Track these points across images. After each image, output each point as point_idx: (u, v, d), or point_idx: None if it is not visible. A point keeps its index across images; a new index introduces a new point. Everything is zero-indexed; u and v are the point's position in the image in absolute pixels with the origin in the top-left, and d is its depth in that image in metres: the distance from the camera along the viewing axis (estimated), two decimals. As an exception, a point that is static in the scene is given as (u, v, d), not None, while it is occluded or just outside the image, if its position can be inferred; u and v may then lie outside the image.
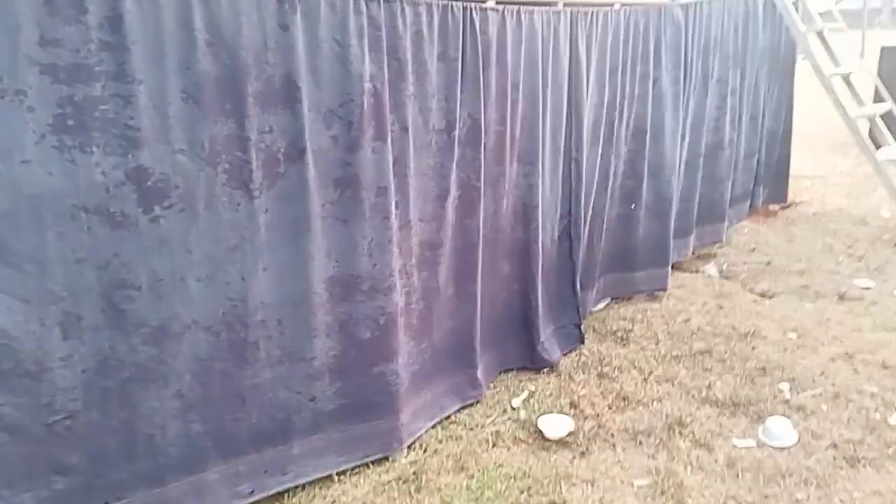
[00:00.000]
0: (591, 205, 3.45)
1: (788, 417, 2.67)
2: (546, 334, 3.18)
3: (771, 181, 5.46)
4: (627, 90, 3.54)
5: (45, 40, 1.58)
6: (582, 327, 3.34)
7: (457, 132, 2.64)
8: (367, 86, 2.25)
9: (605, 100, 3.41)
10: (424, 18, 2.43)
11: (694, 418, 2.70)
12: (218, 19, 1.88)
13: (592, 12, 3.19)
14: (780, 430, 2.58)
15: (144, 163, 1.79)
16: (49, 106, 1.61)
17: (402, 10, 2.34)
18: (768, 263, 4.41)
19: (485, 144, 2.75)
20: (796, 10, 4.83)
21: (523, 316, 3.11)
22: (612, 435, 2.61)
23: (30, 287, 1.62)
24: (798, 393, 2.87)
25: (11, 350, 1.60)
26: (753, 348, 3.26)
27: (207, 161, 1.92)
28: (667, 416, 2.71)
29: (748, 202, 5.25)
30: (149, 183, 1.81)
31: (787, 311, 3.69)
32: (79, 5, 1.62)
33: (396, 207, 2.42)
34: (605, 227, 3.62)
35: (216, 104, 1.92)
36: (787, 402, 2.81)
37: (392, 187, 2.39)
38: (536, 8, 2.89)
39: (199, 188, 1.92)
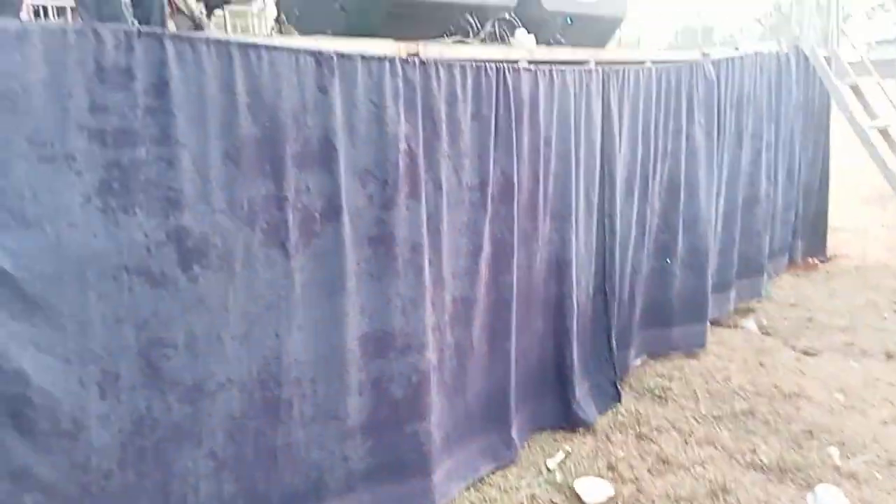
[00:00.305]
0: (626, 260, 3.41)
1: (839, 486, 2.54)
2: (582, 392, 3.10)
3: (809, 234, 5.35)
4: (661, 145, 3.53)
5: (95, 106, 1.64)
6: (618, 385, 3.26)
7: (490, 189, 2.65)
8: (403, 145, 2.29)
9: (639, 155, 3.41)
10: (458, 79, 2.47)
11: (739, 484, 2.58)
12: (259, 83, 1.93)
13: (624, 70, 3.22)
14: (832, 499, 2.45)
15: (185, 223, 1.82)
16: (96, 170, 1.65)
17: (437, 71, 2.39)
18: (810, 319, 4.28)
19: (518, 201, 2.75)
20: (829, 64, 4.82)
21: (558, 373, 3.05)
22: (653, 501, 2.51)
23: (70, 347, 1.64)
24: (849, 458, 2.74)
25: (50, 410, 1.61)
26: (798, 409, 3.13)
27: (246, 221, 1.95)
28: (710, 482, 2.60)
29: (787, 256, 5.15)
30: (189, 243, 1.84)
31: (832, 369, 3.56)
32: (128, 72, 1.68)
33: (430, 264, 2.42)
34: (640, 282, 3.56)
35: (255, 165, 1.96)
36: (837, 468, 2.67)
37: (426, 244, 2.39)
38: (568, 67, 2.93)
39: (238, 247, 1.94)
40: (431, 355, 2.42)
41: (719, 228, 4.09)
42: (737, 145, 4.18)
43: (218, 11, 6.54)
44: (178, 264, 1.83)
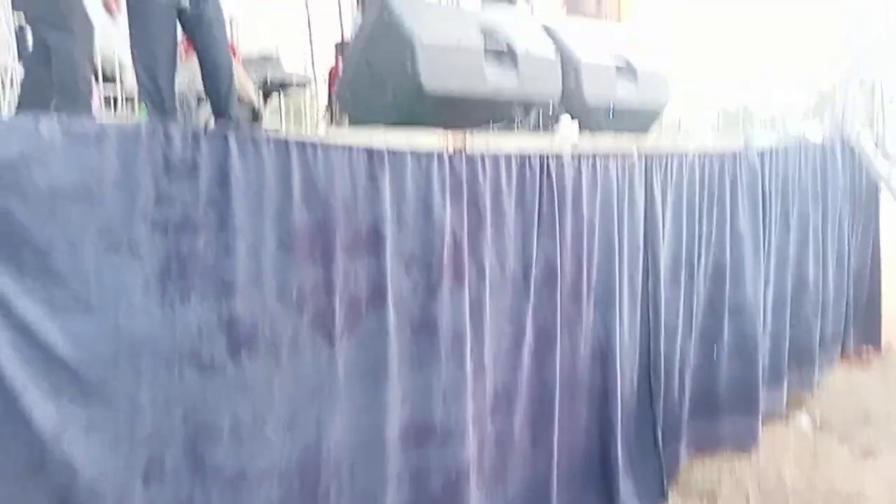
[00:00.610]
0: (672, 349, 3.34)
1: None
2: (626, 488, 2.98)
3: (862, 322, 5.17)
4: (705, 232, 3.51)
5: (160, 198, 1.73)
6: (665, 481, 3.12)
7: (533, 276, 2.66)
8: (448, 233, 2.33)
9: (683, 242, 3.39)
10: (504, 170, 2.53)
11: None
12: (314, 174, 2.01)
13: (667, 159, 3.25)
14: None
15: (236, 310, 1.87)
16: (157, 257, 1.72)
17: (483, 162, 2.45)
18: (867, 413, 4.08)
19: (561, 287, 2.75)
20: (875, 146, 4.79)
21: (602, 467, 2.95)
22: None
23: (120, 431, 1.67)
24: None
25: (95, 498, 1.62)
26: (860, 514, 2.95)
27: (295, 307, 1.99)
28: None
29: (840, 345, 4.96)
30: (238, 329, 1.88)
31: (894, 470, 3.36)
32: (193, 164, 1.77)
33: (472, 352, 2.41)
34: (686, 372, 3.47)
35: (307, 253, 2.01)
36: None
37: (468, 332, 2.39)
38: (612, 156, 2.97)
39: (285, 334, 1.98)
40: (472, 446, 2.38)
41: (769, 317, 3.99)
42: (783, 231, 4.12)
43: (274, 98, 6.89)
44: (227, 350, 1.86)
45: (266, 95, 5.93)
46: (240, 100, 4.58)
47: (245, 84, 4.76)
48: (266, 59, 10.17)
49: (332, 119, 5.97)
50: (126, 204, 1.66)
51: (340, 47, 6.95)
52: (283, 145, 1.95)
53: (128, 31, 3.16)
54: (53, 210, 1.54)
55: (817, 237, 4.43)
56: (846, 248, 4.84)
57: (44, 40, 2.55)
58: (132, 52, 3.16)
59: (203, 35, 3.19)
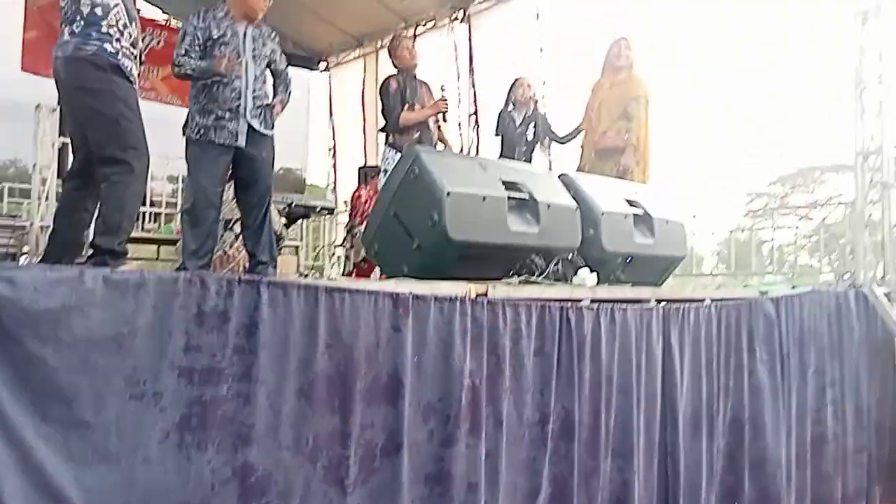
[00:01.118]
0: (691, 502, 3.21)
1: None
2: None
3: (886, 479, 4.95)
4: (723, 383, 3.48)
5: (189, 346, 1.75)
6: None
7: (550, 426, 2.62)
8: (467, 381, 2.33)
9: (702, 393, 3.35)
10: (523, 317, 2.56)
11: None
12: (340, 322, 2.05)
13: (684, 308, 3.27)
14: None
15: (251, 459, 1.84)
16: (179, 407, 1.72)
17: (504, 310, 2.49)
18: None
19: (578, 438, 2.70)
20: (890, 300, 4.80)
21: None
22: None
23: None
24: None
25: None
26: None
27: (309, 457, 1.96)
28: None
29: (863, 503, 4.74)
30: (252, 479, 1.84)
31: None
32: (224, 315, 1.81)
33: (485, 505, 2.33)
34: (706, 529, 3.31)
35: (325, 401, 2.00)
36: None
37: (482, 484, 2.33)
38: (629, 305, 3.01)
39: (297, 484, 1.93)
40: None
41: (792, 471, 3.85)
42: (801, 383, 4.06)
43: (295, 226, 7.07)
44: (239, 501, 1.82)
45: (290, 221, 6.13)
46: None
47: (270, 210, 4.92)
48: (289, 172, 10.62)
49: (351, 245, 6.13)
50: (155, 353, 1.69)
51: (363, 171, 7.26)
52: (312, 292, 2.00)
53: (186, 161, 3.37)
54: (86, 359, 1.57)
55: (835, 389, 4.36)
56: (864, 400, 4.74)
57: (98, 168, 2.57)
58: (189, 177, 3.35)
59: (253, 173, 3.38)
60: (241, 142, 3.32)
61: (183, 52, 3.23)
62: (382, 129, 4.66)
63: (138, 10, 2.89)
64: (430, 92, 4.74)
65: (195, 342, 1.76)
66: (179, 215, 3.42)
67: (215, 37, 3.25)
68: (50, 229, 3.00)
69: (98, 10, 2.49)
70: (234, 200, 3.77)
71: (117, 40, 2.53)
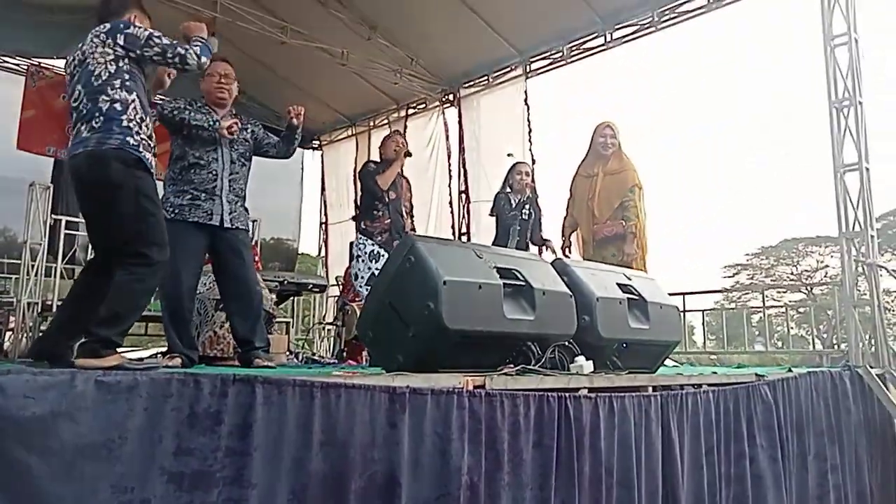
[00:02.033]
0: None
1: None
2: None
3: (894, 567, 4.80)
4: (724, 471, 3.40)
5: (180, 450, 1.69)
6: None
7: (550, 523, 2.52)
8: (465, 478, 2.25)
9: (704, 480, 3.27)
10: (521, 409, 2.51)
11: None
12: (335, 420, 1.99)
13: (681, 395, 3.23)
14: None
15: (240, 570, 1.75)
16: (167, 514, 1.65)
17: (502, 402, 2.44)
18: None
19: (579, 535, 2.60)
20: (884, 382, 4.78)
21: None
22: None
23: None
24: None
25: None
26: None
27: (300, 565, 1.86)
28: None
29: None
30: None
31: None
32: (216, 416, 1.76)
33: None
34: None
35: (320, 503, 1.93)
36: None
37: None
38: (627, 394, 2.96)
39: None
40: None
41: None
42: (802, 468, 3.99)
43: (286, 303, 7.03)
44: None
45: (281, 299, 6.09)
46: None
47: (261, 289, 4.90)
48: (281, 243, 10.63)
49: (343, 323, 6.07)
50: (145, 458, 1.63)
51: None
52: (307, 390, 1.95)
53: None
54: (72, 467, 1.51)
55: (837, 474, 4.28)
56: (867, 484, 4.65)
57: (118, 258, 2.52)
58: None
59: (233, 260, 3.38)
60: (216, 221, 3.33)
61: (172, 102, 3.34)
62: (354, 218, 4.81)
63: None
64: (408, 185, 4.95)
65: (186, 445, 1.70)
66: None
67: (195, 122, 3.31)
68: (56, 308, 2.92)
69: (117, 106, 2.53)
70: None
71: (137, 133, 2.55)
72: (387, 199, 4.60)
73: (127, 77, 2.58)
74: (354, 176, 9.38)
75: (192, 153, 3.33)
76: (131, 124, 2.54)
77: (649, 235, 5.41)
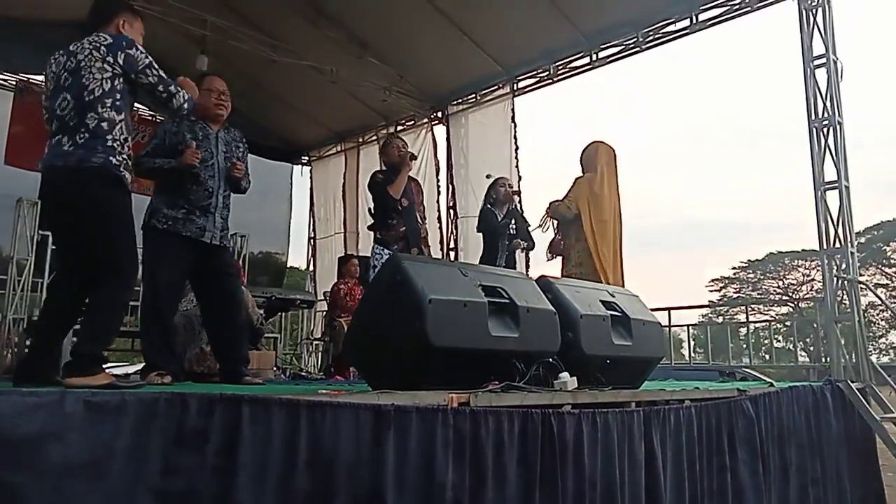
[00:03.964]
0: None
1: None
2: None
3: (876, 580, 4.85)
4: (706, 485, 3.44)
5: (167, 469, 1.71)
6: None
7: (533, 539, 2.55)
8: (449, 495, 2.28)
9: (686, 494, 3.31)
10: (506, 426, 2.55)
11: None
12: (320, 438, 2.02)
13: (664, 410, 3.28)
14: None
15: (225, 587, 1.77)
16: (153, 536, 1.67)
17: (486, 419, 2.48)
18: None
19: (562, 550, 2.63)
20: (865, 396, 4.85)
21: None
22: None
23: None
24: None
25: None
26: None
27: (286, 583, 1.88)
28: None
29: None
30: None
31: None
32: (203, 435, 1.78)
33: None
34: None
35: (305, 521, 1.95)
36: None
37: None
38: (611, 410, 3.01)
39: None
40: None
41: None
42: (783, 482, 4.04)
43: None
44: None
45: (269, 314, 6.11)
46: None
47: (248, 304, 4.92)
48: (270, 256, 10.64)
49: (330, 339, 6.10)
50: (132, 476, 1.65)
51: (343, 260, 7.32)
52: (294, 408, 1.98)
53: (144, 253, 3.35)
54: (60, 486, 1.53)
55: (817, 487, 4.33)
56: (848, 498, 4.71)
57: (92, 275, 2.55)
58: (145, 284, 3.34)
59: (226, 278, 3.41)
60: (208, 238, 3.36)
61: (144, 153, 3.33)
62: (371, 227, 4.79)
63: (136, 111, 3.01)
64: (419, 187, 4.92)
65: (173, 464, 1.72)
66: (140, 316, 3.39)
67: (185, 140, 3.34)
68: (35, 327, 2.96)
69: (105, 125, 2.55)
70: None
71: (119, 153, 2.58)
72: (400, 208, 4.59)
73: (119, 97, 2.60)
74: (344, 191, 9.44)
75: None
76: (115, 144, 2.56)
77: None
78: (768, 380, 4.96)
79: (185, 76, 3.02)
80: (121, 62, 2.59)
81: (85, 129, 2.53)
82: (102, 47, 2.59)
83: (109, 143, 2.55)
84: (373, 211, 4.74)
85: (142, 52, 2.68)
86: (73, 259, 2.67)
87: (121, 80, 2.61)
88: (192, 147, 3.31)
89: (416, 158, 4.73)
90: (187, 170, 3.29)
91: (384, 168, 4.83)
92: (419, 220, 4.78)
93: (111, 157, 2.54)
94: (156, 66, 2.70)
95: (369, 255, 4.83)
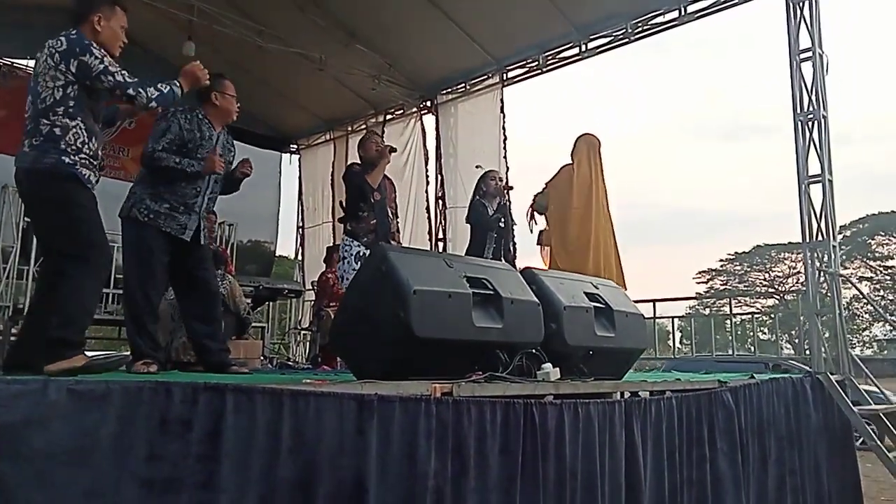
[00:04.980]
0: None
1: None
2: None
3: (850, 567, 4.96)
4: (686, 475, 3.50)
5: (152, 456, 1.73)
6: None
7: (514, 526, 2.60)
8: (431, 483, 2.31)
9: (666, 483, 3.36)
10: (488, 416, 2.58)
11: None
12: (303, 426, 2.04)
13: (645, 401, 3.33)
14: None
15: (209, 573, 1.79)
16: (138, 518, 1.69)
17: (468, 409, 2.51)
18: None
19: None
20: (844, 388, 4.94)
21: None
22: None
23: None
24: None
25: None
26: None
27: (269, 569, 1.91)
28: None
29: None
30: None
31: None
32: (187, 424, 1.80)
33: None
34: None
35: (287, 509, 1.98)
36: None
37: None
38: (592, 400, 3.05)
39: None
40: None
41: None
42: (762, 472, 4.11)
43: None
44: None
45: (257, 304, 6.11)
46: (229, 310, 4.72)
47: (236, 294, 4.93)
48: (259, 245, 10.64)
49: (317, 329, 6.11)
50: (117, 464, 1.67)
51: (332, 250, 7.33)
52: (277, 397, 2.00)
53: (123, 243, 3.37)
54: (44, 473, 1.54)
55: (795, 478, 4.41)
56: (825, 488, 4.80)
57: (59, 263, 2.62)
58: (126, 275, 3.35)
59: (204, 272, 3.43)
60: (188, 236, 3.38)
61: (161, 147, 3.31)
62: (341, 220, 4.81)
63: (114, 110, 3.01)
64: (392, 186, 4.98)
65: (157, 452, 1.74)
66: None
67: (196, 137, 3.35)
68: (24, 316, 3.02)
69: (57, 130, 2.61)
70: None
71: (76, 153, 2.64)
72: (372, 200, 4.62)
73: (72, 104, 2.64)
74: (332, 180, 9.41)
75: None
76: (69, 148, 2.63)
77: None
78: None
79: (200, 69, 3.08)
80: (73, 70, 2.61)
81: (39, 134, 2.62)
82: (56, 54, 2.62)
83: (62, 146, 2.62)
84: (344, 203, 4.77)
85: (97, 58, 2.65)
86: (45, 250, 2.77)
87: (74, 87, 2.64)
88: (217, 154, 3.41)
89: (395, 151, 4.77)
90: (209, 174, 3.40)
91: (361, 163, 4.86)
92: (390, 215, 4.81)
93: (63, 157, 2.61)
94: (112, 69, 2.68)
95: None
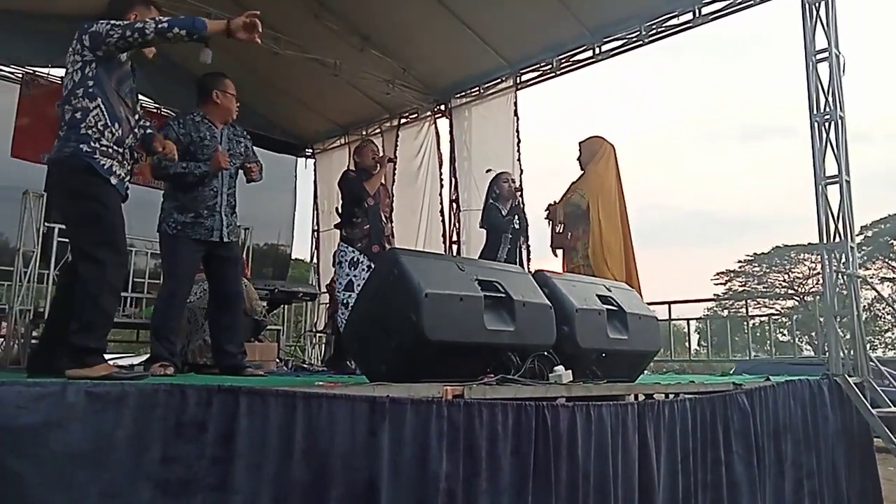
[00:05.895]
0: None
1: None
2: None
3: (871, 572, 4.89)
4: (700, 478, 3.48)
5: (166, 458, 1.76)
6: None
7: (527, 529, 2.60)
8: (443, 485, 2.33)
9: (680, 487, 3.35)
10: (500, 418, 2.59)
11: None
12: (316, 429, 2.07)
13: (659, 403, 3.32)
14: None
15: (222, 573, 1.82)
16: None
17: (480, 411, 2.52)
18: None
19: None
20: (863, 391, 4.87)
21: None
22: None
23: None
24: None
25: None
26: None
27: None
28: None
29: None
30: None
31: None
32: (201, 426, 1.83)
33: None
34: None
35: (300, 510, 2.00)
36: None
37: None
38: (605, 403, 3.05)
39: None
40: None
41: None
42: (778, 476, 4.07)
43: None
44: None
45: (273, 306, 6.16)
46: (245, 313, 4.77)
47: (252, 297, 4.98)
48: (274, 248, 10.72)
49: (332, 331, 6.15)
50: (132, 465, 1.70)
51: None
52: (290, 400, 2.03)
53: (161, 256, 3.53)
54: (62, 474, 1.58)
55: (813, 481, 4.36)
56: (844, 491, 4.74)
57: (73, 264, 2.66)
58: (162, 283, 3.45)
59: (228, 273, 3.52)
60: (216, 237, 3.52)
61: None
62: (338, 226, 4.91)
63: (138, 103, 2.95)
64: (386, 191, 5.10)
65: (172, 453, 1.78)
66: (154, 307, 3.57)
67: (196, 140, 3.47)
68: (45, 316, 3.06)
69: (78, 115, 2.58)
70: None
71: (97, 140, 2.58)
72: (365, 206, 4.71)
73: (91, 84, 2.59)
74: (340, 185, 9.47)
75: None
76: (90, 131, 2.57)
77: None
78: (765, 373, 4.99)
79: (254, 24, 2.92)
80: (87, 44, 2.59)
81: (63, 122, 2.61)
82: (75, 40, 2.62)
83: (82, 131, 2.56)
84: (340, 210, 4.88)
85: (103, 23, 2.61)
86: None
87: (91, 65, 2.60)
88: (220, 150, 3.52)
89: (393, 161, 4.92)
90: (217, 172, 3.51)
91: (357, 169, 4.98)
92: (383, 219, 4.94)
93: (82, 145, 2.56)
94: (117, 23, 2.60)
95: None
